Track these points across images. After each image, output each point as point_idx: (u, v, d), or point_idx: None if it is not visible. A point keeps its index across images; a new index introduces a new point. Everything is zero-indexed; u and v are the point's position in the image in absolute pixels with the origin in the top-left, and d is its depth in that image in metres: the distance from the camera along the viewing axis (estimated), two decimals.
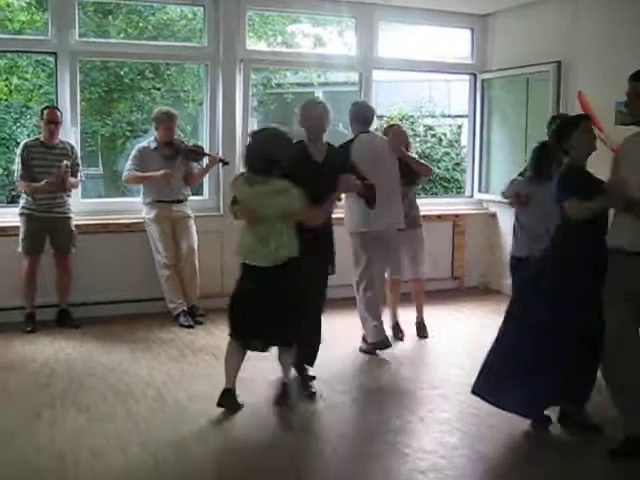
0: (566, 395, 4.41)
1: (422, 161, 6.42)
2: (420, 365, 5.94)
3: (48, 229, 6.55)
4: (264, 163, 4.55)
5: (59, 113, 6.63)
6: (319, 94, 14.14)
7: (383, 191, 5.63)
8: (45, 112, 6.59)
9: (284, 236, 4.56)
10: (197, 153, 7.06)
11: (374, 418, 4.79)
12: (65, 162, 6.45)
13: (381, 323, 6.00)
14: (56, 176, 6.41)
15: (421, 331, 6.57)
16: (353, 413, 4.94)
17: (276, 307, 4.55)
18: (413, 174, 6.34)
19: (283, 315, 4.57)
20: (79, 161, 6.80)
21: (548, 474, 4.02)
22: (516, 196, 5.56)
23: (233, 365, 4.75)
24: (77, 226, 6.82)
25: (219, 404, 4.67)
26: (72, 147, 6.74)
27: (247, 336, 4.69)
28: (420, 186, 6.71)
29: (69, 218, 6.66)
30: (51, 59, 7.45)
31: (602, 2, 6.88)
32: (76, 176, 6.70)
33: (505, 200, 5.83)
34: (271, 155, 4.54)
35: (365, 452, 4.24)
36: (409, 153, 6.38)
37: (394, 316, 6.55)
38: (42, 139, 6.59)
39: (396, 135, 6.38)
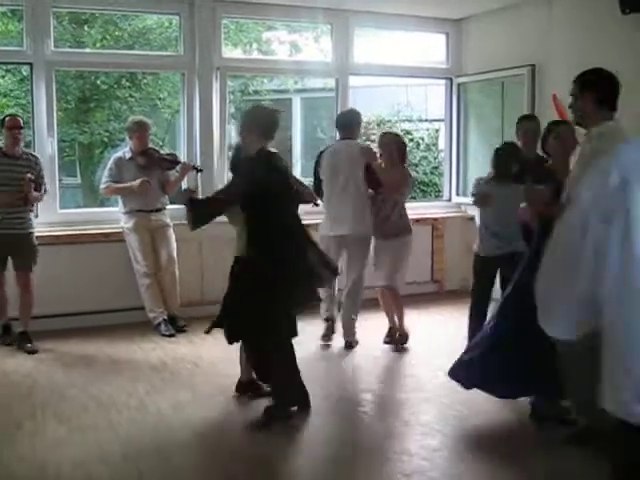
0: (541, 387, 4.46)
1: (378, 177, 6.27)
2: (402, 369, 5.96)
3: (8, 247, 6.25)
4: None
5: (20, 119, 6.41)
6: (296, 100, 14.24)
7: (343, 199, 6.03)
8: (6, 119, 6.31)
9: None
10: (171, 161, 7.02)
11: (356, 423, 4.82)
12: (29, 175, 6.18)
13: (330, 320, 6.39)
14: (19, 191, 6.14)
15: (399, 339, 6.52)
16: (335, 418, 4.94)
17: None
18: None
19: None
20: (43, 173, 6.48)
21: (531, 474, 4.04)
22: (476, 195, 5.65)
23: None
24: (55, 237, 6.79)
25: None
26: (36, 158, 6.45)
27: None
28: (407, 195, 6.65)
29: (31, 234, 6.35)
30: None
31: (575, 6, 6.95)
32: (40, 190, 6.38)
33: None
34: None
35: (348, 456, 4.25)
36: (376, 163, 6.38)
37: (390, 321, 6.56)
38: (4, 149, 6.27)
39: (381, 146, 6.47)
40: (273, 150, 4.84)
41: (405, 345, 6.42)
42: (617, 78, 4.20)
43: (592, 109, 4.13)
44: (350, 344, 6.38)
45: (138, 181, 6.73)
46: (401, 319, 6.50)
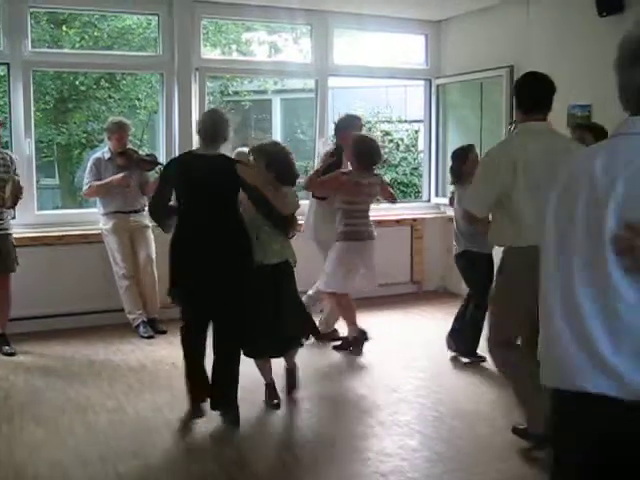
0: None
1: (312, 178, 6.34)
2: (380, 369, 5.95)
3: None
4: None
5: None
6: (276, 101, 14.23)
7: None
8: None
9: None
10: (150, 162, 6.99)
11: (334, 423, 4.82)
12: (17, 177, 6.16)
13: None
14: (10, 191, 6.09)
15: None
16: (313, 419, 4.94)
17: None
18: None
19: None
20: (18, 172, 6.33)
21: (512, 474, 4.04)
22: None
23: None
24: (33, 238, 6.76)
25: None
26: (11, 158, 6.31)
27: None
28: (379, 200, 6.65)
29: (9, 234, 6.28)
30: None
31: (552, 7, 6.99)
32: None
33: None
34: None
35: (326, 457, 4.26)
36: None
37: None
38: None
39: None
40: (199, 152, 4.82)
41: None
42: (539, 80, 4.25)
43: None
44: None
45: (119, 175, 6.71)
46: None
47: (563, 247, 1.95)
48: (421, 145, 10.50)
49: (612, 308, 1.81)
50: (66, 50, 10.25)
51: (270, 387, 5.03)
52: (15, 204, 6.23)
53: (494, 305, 4.43)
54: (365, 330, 6.33)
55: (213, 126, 4.73)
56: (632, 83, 1.93)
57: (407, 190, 12.20)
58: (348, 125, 6.55)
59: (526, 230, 3.97)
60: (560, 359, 1.93)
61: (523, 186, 4.02)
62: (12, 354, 6.19)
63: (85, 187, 6.95)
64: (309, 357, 6.11)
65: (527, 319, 4.11)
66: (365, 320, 6.64)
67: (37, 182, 7.59)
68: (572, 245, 1.92)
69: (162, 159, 7.23)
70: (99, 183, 6.82)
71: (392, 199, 6.52)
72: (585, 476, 1.95)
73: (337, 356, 6.26)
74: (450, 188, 7.07)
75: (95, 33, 11.18)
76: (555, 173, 3.49)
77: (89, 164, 6.96)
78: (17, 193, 6.12)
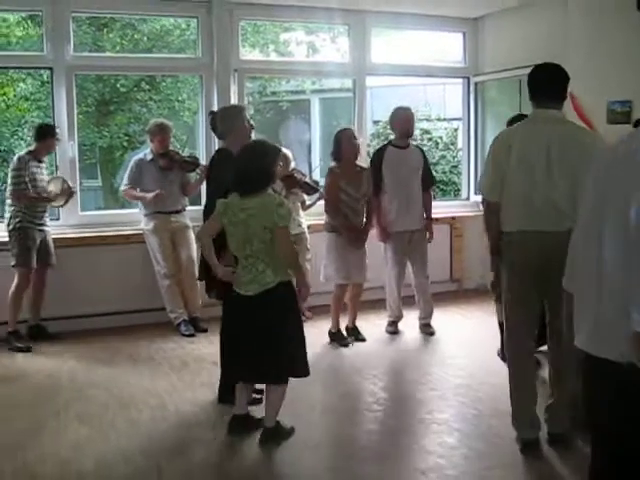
0: None
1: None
2: (419, 367, 5.95)
3: (38, 243, 6.52)
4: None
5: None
6: (314, 101, 14.26)
7: None
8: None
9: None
10: (192, 163, 7.07)
11: (371, 420, 4.85)
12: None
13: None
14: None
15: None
16: (349, 416, 4.96)
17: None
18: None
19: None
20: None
21: (550, 471, 4.04)
22: None
23: None
24: (76, 239, 6.90)
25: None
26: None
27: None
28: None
29: (49, 231, 6.69)
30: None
31: (590, 2, 6.93)
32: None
33: None
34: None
35: (366, 454, 4.29)
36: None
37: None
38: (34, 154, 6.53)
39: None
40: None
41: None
42: (539, 71, 4.27)
43: None
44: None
45: (151, 194, 6.82)
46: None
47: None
48: (460, 143, 10.47)
49: None
50: (107, 54, 10.39)
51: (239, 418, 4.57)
52: (67, 202, 6.69)
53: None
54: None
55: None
56: None
57: (446, 188, 12.15)
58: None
59: (518, 214, 4.06)
60: None
61: (516, 170, 4.06)
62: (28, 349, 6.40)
63: (122, 187, 7.08)
64: (342, 354, 6.16)
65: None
66: (405, 317, 6.71)
67: (80, 184, 7.72)
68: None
69: (202, 160, 7.31)
70: (135, 194, 6.98)
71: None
72: None
73: (371, 353, 6.28)
74: None
75: (135, 36, 11.30)
76: (552, 160, 3.79)
77: (130, 164, 7.08)
78: (69, 192, 6.62)
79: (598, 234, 2.19)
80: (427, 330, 6.80)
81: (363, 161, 7.02)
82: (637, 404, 2.15)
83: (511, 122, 5.45)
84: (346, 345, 6.43)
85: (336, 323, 6.56)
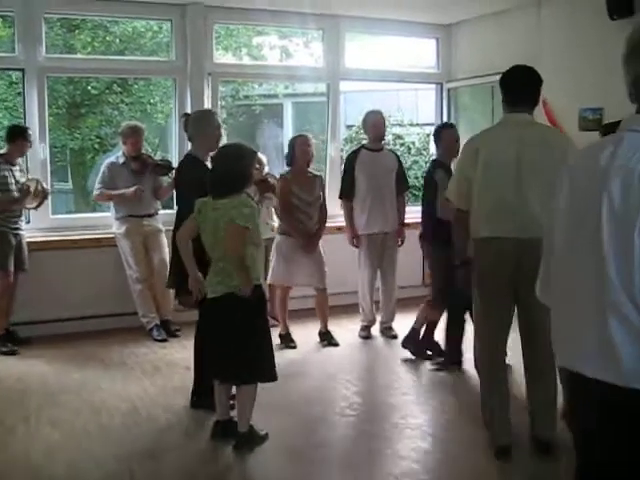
0: None
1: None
2: (392, 372, 5.96)
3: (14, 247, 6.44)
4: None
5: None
6: (287, 105, 14.26)
7: None
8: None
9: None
10: (164, 167, 7.03)
11: (344, 425, 4.85)
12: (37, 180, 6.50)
13: None
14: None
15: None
16: (325, 422, 4.94)
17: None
18: None
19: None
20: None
21: (523, 474, 4.06)
22: None
23: None
24: (47, 242, 6.83)
25: None
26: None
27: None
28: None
29: (23, 235, 6.58)
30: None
31: (563, 11, 7.00)
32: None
33: None
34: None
35: (339, 459, 4.30)
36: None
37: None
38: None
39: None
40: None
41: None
42: (513, 73, 4.34)
43: None
44: None
45: (132, 189, 6.75)
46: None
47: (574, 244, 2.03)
48: (432, 149, 10.51)
49: None
50: (79, 55, 10.27)
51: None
52: (40, 205, 6.59)
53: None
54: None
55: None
56: (633, 74, 1.98)
57: (419, 193, 12.15)
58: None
59: (488, 220, 4.04)
60: None
61: (484, 175, 4.04)
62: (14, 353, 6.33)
63: (96, 192, 7.00)
64: (324, 359, 6.15)
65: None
66: (378, 322, 6.71)
67: (51, 186, 7.63)
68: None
69: (175, 164, 7.26)
70: (111, 193, 6.87)
71: None
72: None
73: (350, 358, 6.29)
74: None
75: (107, 38, 11.21)
76: (523, 163, 3.84)
77: (102, 168, 7.00)
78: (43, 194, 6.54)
79: (591, 251, 1.98)
80: (389, 333, 6.85)
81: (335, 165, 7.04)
82: None
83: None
84: (293, 347, 6.47)
85: (284, 325, 6.58)
